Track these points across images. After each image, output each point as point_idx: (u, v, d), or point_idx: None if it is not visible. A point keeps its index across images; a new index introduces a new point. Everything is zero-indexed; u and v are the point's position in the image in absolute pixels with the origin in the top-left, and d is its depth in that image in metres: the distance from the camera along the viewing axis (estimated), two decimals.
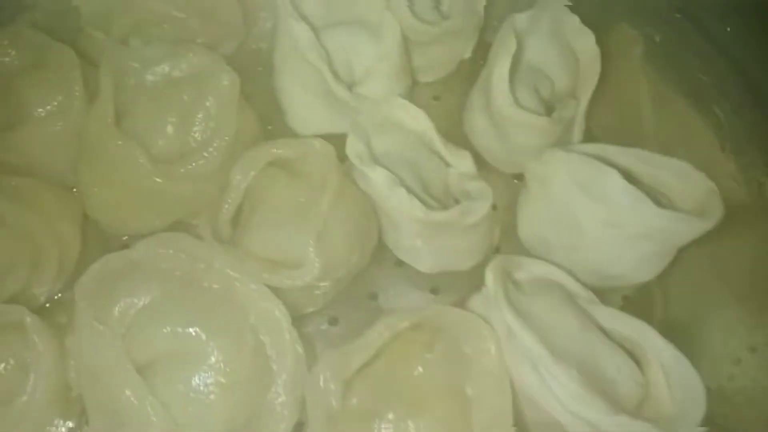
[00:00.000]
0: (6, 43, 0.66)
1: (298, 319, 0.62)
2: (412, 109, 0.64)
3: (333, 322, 0.63)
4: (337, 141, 0.63)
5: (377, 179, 0.57)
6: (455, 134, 0.74)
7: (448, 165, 0.65)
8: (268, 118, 0.75)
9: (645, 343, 0.52)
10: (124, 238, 0.67)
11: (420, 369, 0.51)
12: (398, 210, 0.57)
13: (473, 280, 0.63)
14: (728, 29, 0.64)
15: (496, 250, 0.68)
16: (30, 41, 0.66)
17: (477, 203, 0.58)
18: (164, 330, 0.51)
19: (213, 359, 0.51)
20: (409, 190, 0.58)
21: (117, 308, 0.52)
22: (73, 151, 0.64)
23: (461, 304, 0.58)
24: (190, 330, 0.51)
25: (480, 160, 0.72)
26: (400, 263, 0.66)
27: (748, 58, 0.63)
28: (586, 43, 0.70)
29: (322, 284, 0.57)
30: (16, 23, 0.69)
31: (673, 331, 0.63)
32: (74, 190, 0.66)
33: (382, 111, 0.64)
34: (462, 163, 0.64)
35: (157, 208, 0.64)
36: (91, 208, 0.64)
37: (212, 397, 0.50)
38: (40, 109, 0.63)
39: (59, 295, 0.63)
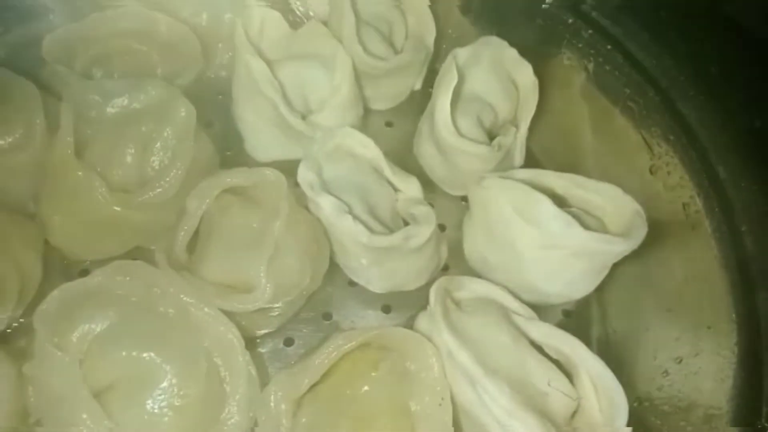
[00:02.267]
0: None
1: (253, 341, 0.65)
2: (362, 137, 0.68)
3: (288, 342, 0.66)
4: (293, 167, 0.67)
5: (325, 206, 0.60)
6: (408, 158, 0.79)
7: (396, 190, 0.69)
8: (227, 145, 0.78)
9: (575, 357, 0.55)
10: (86, 263, 0.69)
11: (366, 387, 0.54)
12: (346, 235, 0.60)
13: (422, 299, 0.66)
14: (655, 62, 0.69)
15: (445, 269, 0.71)
16: None
17: (420, 228, 0.61)
18: (121, 354, 0.53)
19: (167, 383, 0.53)
20: (358, 216, 0.61)
21: (75, 334, 0.54)
22: (34, 181, 0.66)
23: (412, 322, 0.62)
24: (146, 354, 0.54)
25: (430, 184, 0.77)
26: (352, 283, 0.69)
27: (673, 89, 0.68)
28: (524, 73, 0.75)
29: (275, 306, 0.60)
30: None
31: (609, 345, 0.68)
32: (35, 218, 0.68)
33: (334, 139, 0.67)
34: (409, 188, 0.68)
35: (116, 235, 0.66)
36: (53, 235, 0.66)
37: (166, 419, 0.52)
38: (2, 141, 0.65)
39: (21, 320, 0.65)
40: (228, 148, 0.78)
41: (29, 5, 0.78)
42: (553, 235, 0.59)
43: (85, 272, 0.68)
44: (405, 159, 0.78)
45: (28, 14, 0.79)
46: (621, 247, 0.59)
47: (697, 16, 0.68)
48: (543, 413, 0.51)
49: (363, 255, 0.62)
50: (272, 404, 0.53)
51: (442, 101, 0.67)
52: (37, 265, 0.65)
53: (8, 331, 0.64)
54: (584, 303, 0.69)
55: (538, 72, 0.75)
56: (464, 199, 0.76)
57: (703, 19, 0.68)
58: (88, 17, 0.75)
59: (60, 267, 0.69)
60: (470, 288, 0.61)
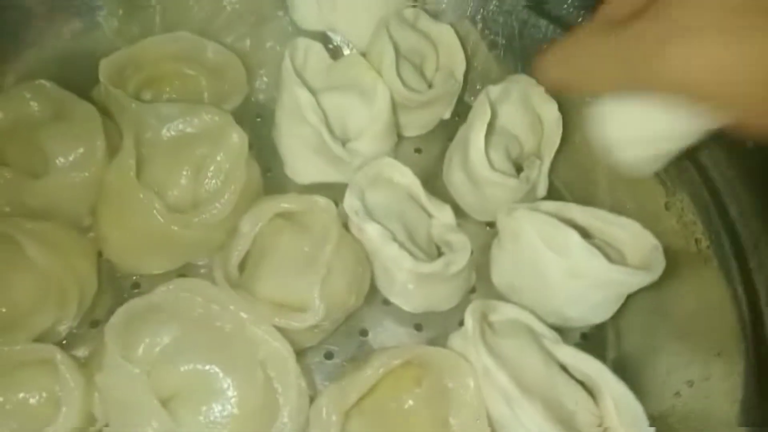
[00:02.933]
0: (29, 96, 0.72)
1: (297, 354, 0.69)
2: (401, 167, 0.73)
3: (329, 356, 0.70)
4: (330, 189, 0.71)
5: (372, 233, 0.65)
6: (436, 183, 0.84)
7: (430, 216, 0.74)
8: (266, 166, 0.82)
9: (599, 380, 0.60)
10: (135, 277, 0.73)
11: (410, 402, 0.59)
12: (391, 260, 0.65)
13: (451, 318, 0.73)
14: None
15: (473, 291, 0.76)
16: (52, 95, 0.72)
17: (458, 255, 0.66)
18: (184, 367, 0.57)
19: (228, 393, 0.57)
20: (401, 243, 0.66)
21: (141, 347, 0.58)
22: (91, 197, 0.70)
23: (441, 339, 0.67)
24: (208, 367, 0.58)
25: (457, 209, 0.82)
26: (386, 302, 0.73)
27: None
28: (550, 109, 0.80)
29: (323, 324, 0.64)
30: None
31: (624, 366, 0.73)
32: (90, 234, 0.72)
33: (376, 168, 0.72)
34: (443, 215, 0.73)
35: (168, 251, 0.70)
36: (109, 250, 0.70)
37: (229, 427, 0.56)
38: (63, 160, 0.69)
39: (74, 330, 0.69)
40: (267, 170, 0.82)
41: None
42: (578, 266, 0.65)
43: (135, 285, 0.73)
44: (433, 183, 0.83)
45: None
46: (641, 280, 0.65)
47: None
48: (572, 429, 0.57)
49: (406, 279, 0.66)
50: (324, 415, 0.58)
51: (477, 136, 0.72)
52: (93, 276, 0.70)
53: (64, 341, 0.68)
54: (601, 327, 0.74)
55: (561, 108, 0.80)
56: (489, 224, 0.81)
57: None
58: (141, 41, 0.79)
59: (112, 280, 0.73)
60: (502, 311, 0.66)
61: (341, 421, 0.58)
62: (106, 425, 0.59)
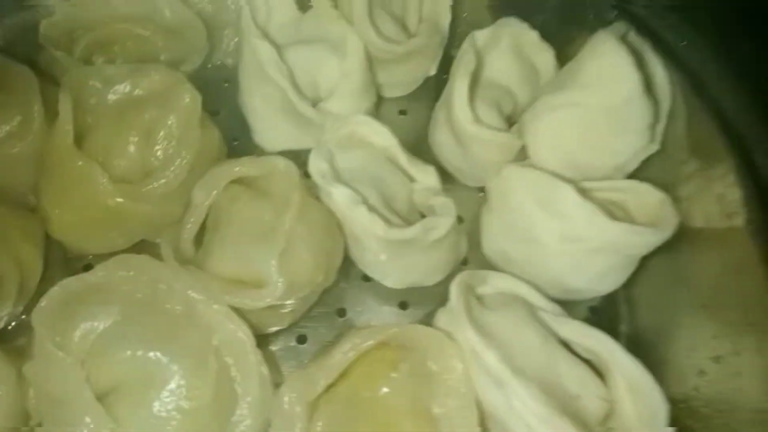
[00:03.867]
0: None
1: (264, 338, 0.62)
2: (376, 125, 0.65)
3: (301, 340, 0.63)
4: (304, 157, 0.64)
5: (339, 197, 0.57)
6: (422, 148, 0.75)
7: (413, 180, 0.65)
8: (234, 134, 0.75)
9: (608, 357, 0.52)
10: (89, 258, 0.66)
11: (385, 389, 0.51)
12: (361, 227, 0.56)
13: (441, 294, 0.63)
14: (686, 44, 0.66)
15: (464, 263, 0.68)
16: None
17: (440, 219, 0.58)
18: (125, 354, 0.51)
19: (175, 383, 0.50)
20: (373, 207, 0.58)
21: (77, 333, 0.51)
22: (33, 172, 0.63)
23: (430, 319, 0.58)
24: (152, 354, 0.51)
25: (446, 175, 0.73)
26: (367, 278, 0.66)
27: (704, 73, 0.64)
28: (545, 58, 0.71)
29: (287, 303, 0.56)
30: None
31: (639, 343, 0.64)
32: (36, 211, 0.65)
33: (347, 127, 0.64)
34: (426, 178, 0.64)
35: (119, 228, 0.63)
36: (53, 229, 0.63)
37: (174, 422, 0.49)
38: None
39: (22, 317, 0.62)
40: (235, 138, 0.75)
41: None
42: (576, 226, 0.56)
43: (88, 267, 0.66)
44: (419, 149, 0.75)
45: None
46: (650, 239, 0.56)
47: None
48: (575, 417, 0.48)
49: (379, 249, 0.58)
50: (286, 406, 0.50)
51: (460, 87, 0.63)
52: (38, 259, 0.63)
53: (8, 329, 0.61)
54: (611, 299, 0.65)
55: (559, 57, 0.71)
56: (481, 190, 0.72)
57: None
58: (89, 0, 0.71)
59: (62, 262, 0.66)
60: (493, 283, 0.57)
61: (307, 413, 0.51)
62: (40, 424, 0.52)
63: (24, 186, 0.65)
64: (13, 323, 0.61)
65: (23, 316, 0.62)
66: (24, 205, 0.66)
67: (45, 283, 0.63)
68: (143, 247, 0.65)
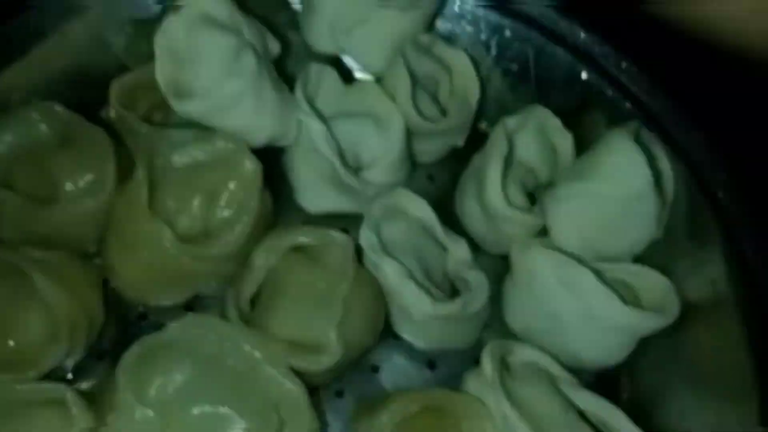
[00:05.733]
0: (38, 118, 0.70)
1: (309, 392, 0.68)
2: (416, 198, 0.72)
3: (339, 394, 0.69)
4: (341, 218, 0.70)
5: (389, 272, 0.64)
6: (446, 212, 0.82)
7: (445, 250, 0.73)
8: (275, 192, 0.81)
9: (615, 425, 0.60)
10: (140, 308, 0.72)
11: None
12: (409, 301, 0.64)
13: (465, 355, 0.71)
14: (685, 137, 0.75)
15: (486, 326, 0.75)
16: (62, 118, 0.70)
17: (475, 294, 0.65)
18: (198, 409, 0.56)
19: None
20: (414, 277, 0.65)
21: (154, 388, 0.57)
22: (100, 225, 0.68)
23: (455, 378, 0.65)
24: (221, 409, 0.57)
25: (471, 241, 0.81)
26: (396, 337, 0.72)
27: (705, 167, 0.73)
28: (565, 142, 0.79)
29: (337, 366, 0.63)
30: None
31: (637, 408, 0.72)
32: (95, 260, 0.71)
33: (391, 200, 0.71)
34: (459, 250, 0.71)
35: (178, 283, 0.69)
36: (117, 280, 0.68)
37: None
38: (72, 186, 0.67)
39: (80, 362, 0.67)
40: (277, 196, 0.81)
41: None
42: (595, 308, 0.64)
43: (142, 316, 0.71)
44: (444, 212, 0.82)
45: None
46: (656, 323, 0.64)
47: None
48: None
49: (422, 318, 0.65)
50: None
51: (494, 172, 0.71)
52: (101, 308, 0.68)
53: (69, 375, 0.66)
54: (615, 369, 0.73)
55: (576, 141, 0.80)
56: (503, 257, 0.80)
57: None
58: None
59: (116, 309, 0.71)
60: (520, 353, 0.65)
61: None
62: None
63: (87, 238, 0.70)
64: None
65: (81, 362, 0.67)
66: (85, 253, 0.71)
67: (103, 328, 0.69)
68: (194, 298, 0.71)
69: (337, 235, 0.64)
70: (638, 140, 0.70)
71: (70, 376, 0.66)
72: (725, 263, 0.69)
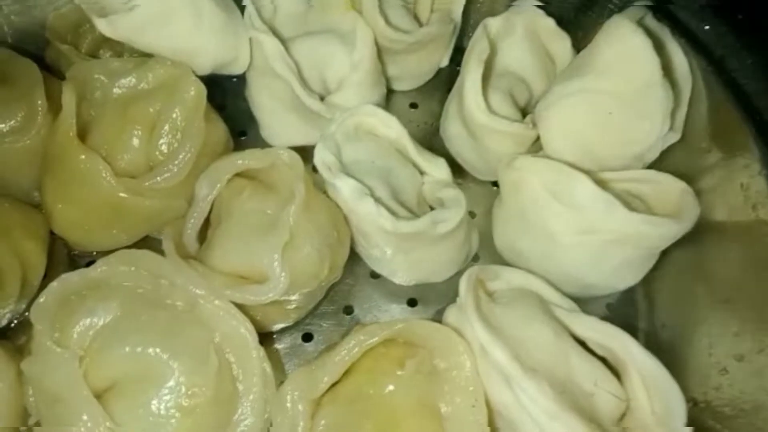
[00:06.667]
0: None
1: (269, 336, 0.61)
2: (384, 115, 0.63)
3: (307, 338, 0.61)
4: (312, 152, 0.62)
5: (344, 189, 0.55)
6: (434, 142, 0.74)
7: (422, 173, 0.64)
8: (241, 129, 0.74)
9: (624, 354, 0.50)
10: (93, 255, 0.65)
11: (391, 387, 0.49)
12: (367, 221, 0.55)
13: (451, 291, 0.61)
14: (706, 27, 0.63)
15: (475, 259, 0.66)
16: None
17: (449, 211, 0.56)
18: (125, 351, 0.49)
19: (175, 381, 0.49)
20: (381, 200, 0.56)
21: (76, 329, 0.50)
22: (37, 167, 0.63)
23: (440, 316, 0.57)
24: (152, 350, 0.49)
25: (458, 169, 0.71)
26: (375, 275, 0.65)
27: (728, 57, 0.62)
28: (562, 46, 0.69)
29: (292, 299, 0.55)
30: None
31: (658, 341, 0.62)
32: (40, 207, 0.65)
33: (354, 118, 0.62)
34: (437, 170, 0.62)
35: (123, 224, 0.62)
36: (56, 225, 0.62)
37: (173, 421, 0.48)
38: (2, 125, 0.62)
39: (25, 315, 0.61)
40: (242, 133, 0.74)
41: None
42: (593, 218, 0.54)
43: (92, 264, 0.65)
44: (431, 143, 0.74)
45: None
46: (671, 230, 0.54)
47: None
48: (588, 415, 0.46)
49: (386, 243, 0.57)
50: (289, 404, 0.49)
51: (473, 76, 0.61)
52: (41, 256, 0.62)
53: (11, 326, 0.61)
54: (629, 295, 0.63)
55: (577, 44, 0.69)
56: (495, 184, 0.70)
57: None
58: None
59: (66, 260, 0.65)
60: (505, 278, 0.55)
61: (310, 411, 0.49)
62: (39, 423, 0.51)
63: (28, 182, 0.64)
64: (16, 321, 0.60)
65: (26, 314, 0.61)
66: (28, 201, 0.65)
67: (48, 280, 0.62)
68: (148, 243, 0.65)
69: (284, 154, 0.56)
70: (643, 27, 0.59)
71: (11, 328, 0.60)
72: (759, 167, 0.57)
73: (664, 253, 0.60)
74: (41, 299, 0.50)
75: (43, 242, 0.63)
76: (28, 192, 0.65)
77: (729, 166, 0.61)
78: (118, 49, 0.72)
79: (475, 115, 0.62)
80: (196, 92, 0.61)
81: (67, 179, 0.60)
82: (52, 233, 0.64)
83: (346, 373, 0.50)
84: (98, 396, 0.48)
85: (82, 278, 0.52)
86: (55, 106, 0.63)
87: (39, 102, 0.62)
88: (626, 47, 0.57)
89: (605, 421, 0.47)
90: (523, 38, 0.68)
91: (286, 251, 0.52)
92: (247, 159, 0.57)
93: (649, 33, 0.58)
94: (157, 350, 0.49)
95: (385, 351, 0.51)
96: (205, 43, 0.63)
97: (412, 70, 0.75)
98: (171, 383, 0.49)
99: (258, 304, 0.52)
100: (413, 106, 0.78)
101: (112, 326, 0.51)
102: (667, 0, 0.64)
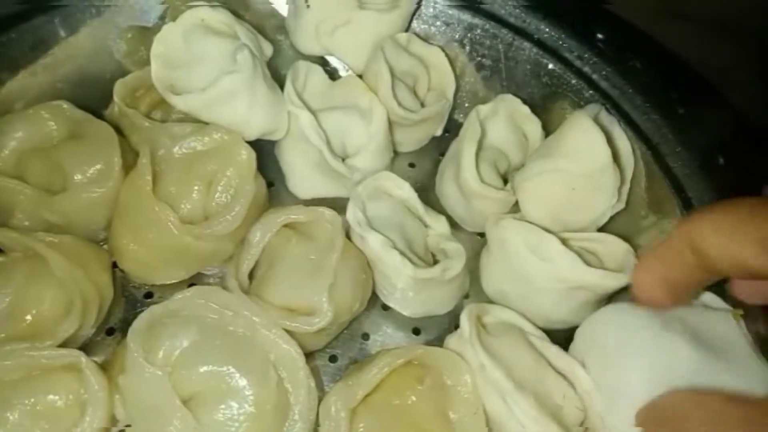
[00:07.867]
0: (47, 116, 0.76)
1: (305, 357, 0.74)
2: (398, 180, 0.78)
3: (333, 359, 0.75)
4: (329, 203, 0.77)
5: (373, 242, 0.70)
6: (428, 195, 0.89)
7: (427, 226, 0.79)
8: (269, 180, 0.87)
9: (573, 374, 0.65)
10: (147, 288, 0.77)
11: (413, 398, 0.64)
12: (390, 267, 0.70)
13: (447, 322, 0.78)
14: (648, 123, 0.82)
15: (467, 296, 0.81)
16: (69, 115, 0.77)
17: (454, 261, 0.72)
18: (203, 368, 0.62)
19: (245, 392, 0.61)
20: (397, 248, 0.72)
21: (162, 351, 0.62)
22: (107, 212, 0.74)
23: (438, 342, 0.72)
24: (225, 368, 0.62)
25: (450, 220, 0.87)
26: (385, 307, 0.79)
27: (670, 156, 0.81)
28: (534, 128, 0.87)
29: (329, 328, 0.69)
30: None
31: None
32: (105, 246, 0.77)
33: (375, 182, 0.77)
34: (439, 225, 0.78)
35: (183, 262, 0.75)
36: (126, 262, 0.74)
37: (246, 424, 0.60)
38: (81, 176, 0.73)
39: (92, 337, 0.73)
40: (270, 184, 0.88)
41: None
42: (561, 270, 0.70)
43: (148, 294, 0.77)
44: (426, 196, 0.88)
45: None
46: (619, 281, 0.70)
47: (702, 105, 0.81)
48: (560, 422, 0.62)
49: (403, 284, 0.71)
50: (333, 412, 0.62)
51: (468, 152, 0.78)
52: (110, 286, 0.73)
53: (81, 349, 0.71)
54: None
55: (546, 126, 0.87)
56: (480, 235, 0.86)
57: (710, 108, 0.81)
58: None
59: (124, 289, 0.77)
60: (494, 314, 0.71)
61: (349, 417, 0.63)
62: (128, 425, 0.63)
63: (98, 223, 0.76)
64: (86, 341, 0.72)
65: (92, 338, 0.73)
66: (94, 238, 0.77)
67: (111, 307, 0.75)
68: (196, 277, 0.78)
69: (326, 212, 0.71)
70: (598, 121, 0.77)
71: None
72: None
73: (609, 297, 0.77)
74: (136, 325, 0.62)
75: (111, 274, 0.75)
76: (95, 232, 0.77)
77: (661, 227, 0.80)
78: (168, 111, 0.84)
79: (470, 183, 0.78)
80: (248, 156, 0.75)
81: (140, 224, 0.71)
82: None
83: (376, 387, 0.64)
84: (183, 405, 0.60)
85: (164, 309, 0.64)
86: (124, 161, 0.75)
87: (116, 159, 0.73)
88: (585, 138, 0.74)
89: (571, 426, 0.64)
90: (504, 120, 0.85)
91: (330, 290, 0.66)
92: (297, 214, 0.71)
93: (602, 127, 0.76)
94: (230, 368, 0.62)
95: (405, 370, 0.66)
96: (256, 117, 0.77)
97: (413, 138, 0.91)
98: (241, 394, 0.61)
99: (307, 332, 0.66)
100: (411, 165, 0.94)
101: (191, 349, 0.63)
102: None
